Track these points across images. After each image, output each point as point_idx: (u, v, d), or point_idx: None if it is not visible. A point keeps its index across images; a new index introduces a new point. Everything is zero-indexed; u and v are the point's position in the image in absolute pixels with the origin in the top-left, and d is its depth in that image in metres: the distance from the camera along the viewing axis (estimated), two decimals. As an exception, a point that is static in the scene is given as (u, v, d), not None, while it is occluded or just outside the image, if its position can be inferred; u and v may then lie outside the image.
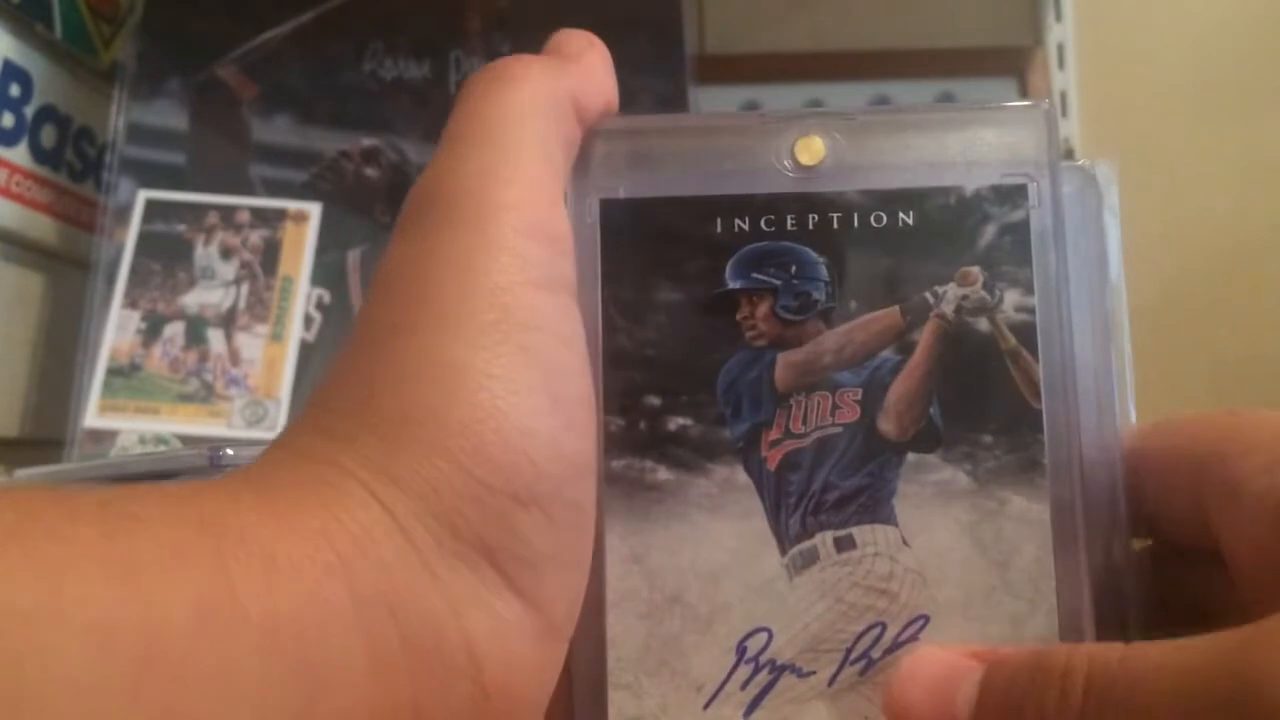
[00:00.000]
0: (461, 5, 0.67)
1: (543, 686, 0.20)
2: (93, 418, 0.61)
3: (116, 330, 0.62)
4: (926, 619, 0.22)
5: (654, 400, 0.22)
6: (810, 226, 0.22)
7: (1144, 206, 0.70)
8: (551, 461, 0.19)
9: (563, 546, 0.20)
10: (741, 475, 0.22)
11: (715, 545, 0.22)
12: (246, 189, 0.65)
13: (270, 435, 0.61)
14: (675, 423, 0.22)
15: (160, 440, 0.62)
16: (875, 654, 0.22)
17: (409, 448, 0.18)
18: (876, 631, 0.22)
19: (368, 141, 0.66)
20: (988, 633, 0.21)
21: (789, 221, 0.22)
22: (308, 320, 0.64)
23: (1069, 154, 0.72)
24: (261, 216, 0.65)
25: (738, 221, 0.22)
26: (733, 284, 0.22)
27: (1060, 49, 0.70)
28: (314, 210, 0.65)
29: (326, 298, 0.65)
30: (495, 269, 0.20)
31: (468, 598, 0.18)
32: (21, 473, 0.53)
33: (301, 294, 0.64)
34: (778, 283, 0.22)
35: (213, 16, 0.66)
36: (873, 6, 0.71)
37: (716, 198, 0.23)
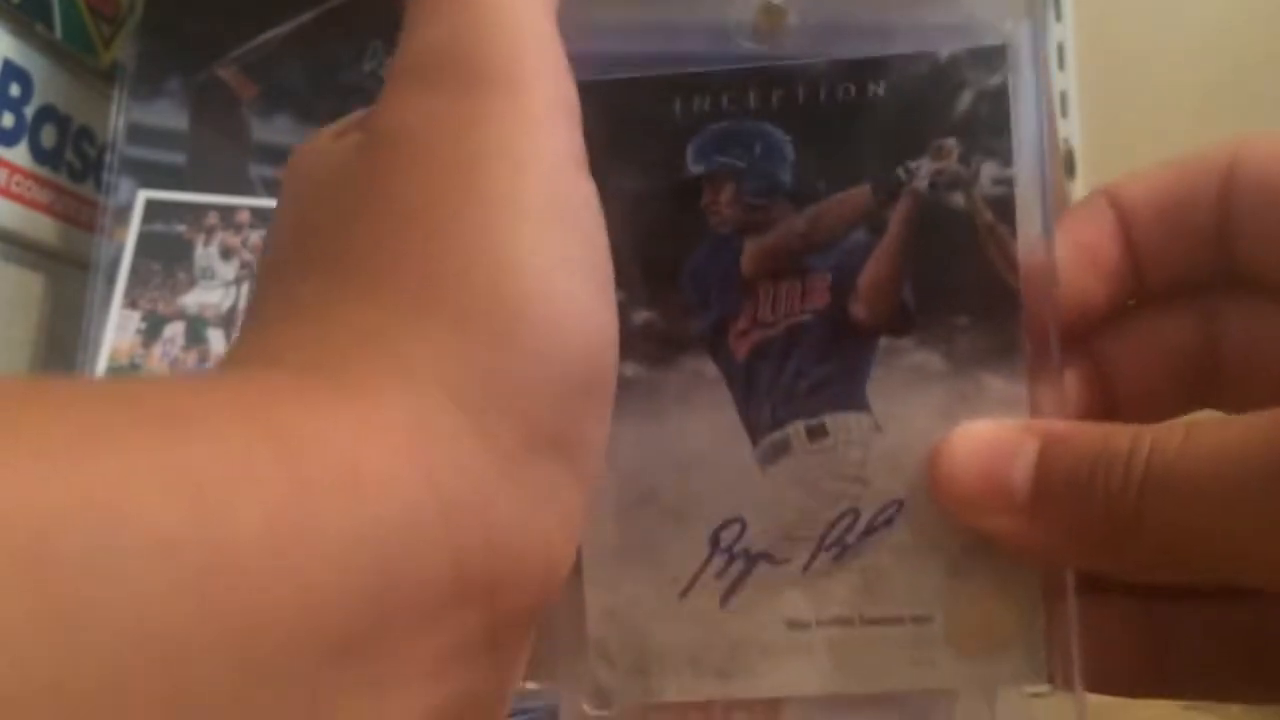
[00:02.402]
0: (459, 3, 0.67)
1: None
2: (93, 419, 0.61)
3: (116, 330, 0.62)
4: (900, 504, 0.21)
5: (618, 294, 0.22)
6: (774, 103, 0.22)
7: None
8: (610, 348, 0.19)
9: (605, 424, 0.19)
10: (710, 367, 0.22)
11: (686, 439, 0.21)
12: (246, 189, 0.65)
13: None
14: (640, 316, 0.22)
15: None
16: (850, 539, 0.21)
17: (486, 341, 0.18)
18: (850, 518, 0.21)
19: (367, 140, 0.66)
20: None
21: (752, 99, 0.22)
22: (308, 319, 0.64)
23: (1067, 153, 0.71)
24: (262, 216, 0.65)
25: (698, 100, 0.22)
26: (695, 169, 0.22)
27: (1060, 49, 0.70)
28: (314, 209, 0.65)
29: (327, 297, 0.64)
30: (542, 146, 0.19)
31: (545, 493, 0.18)
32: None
33: (302, 293, 0.64)
34: (742, 165, 0.22)
35: (213, 16, 0.66)
36: (872, 6, 0.71)
37: (674, 76, 0.22)
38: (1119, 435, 0.19)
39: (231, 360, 0.19)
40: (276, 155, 0.66)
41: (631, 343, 0.21)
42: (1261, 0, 0.72)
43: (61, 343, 0.63)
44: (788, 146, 0.22)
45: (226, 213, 0.65)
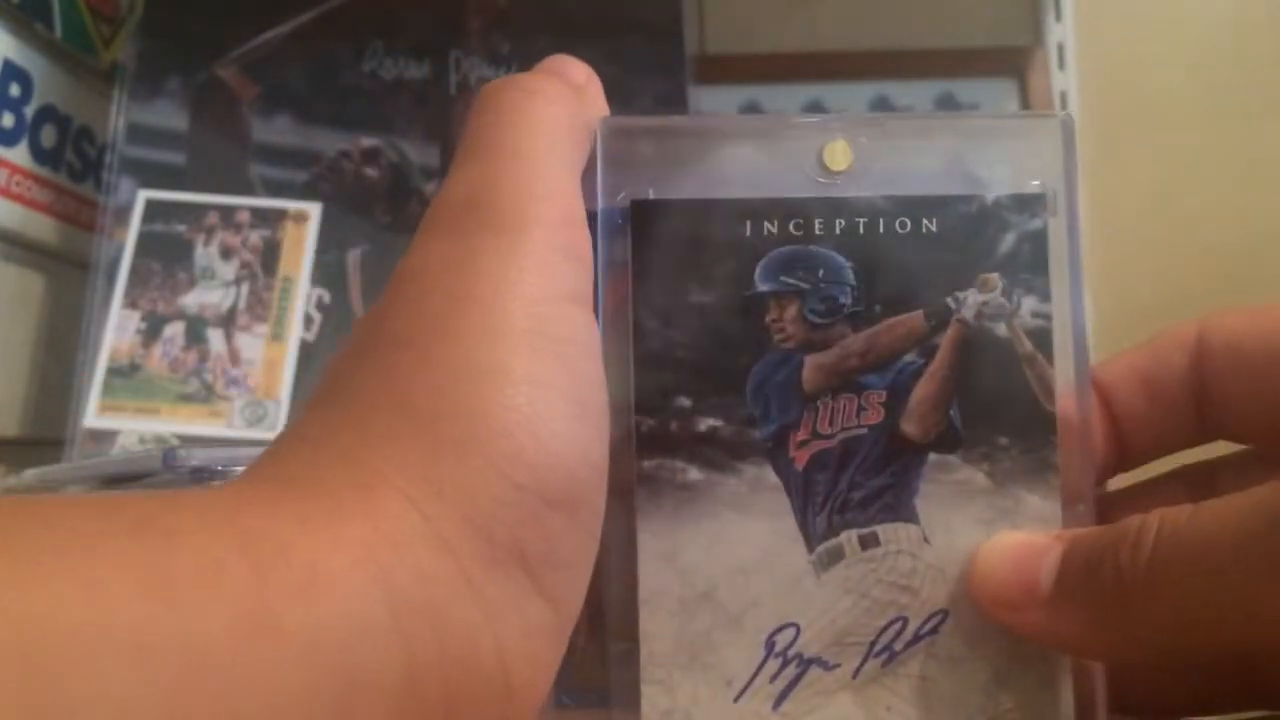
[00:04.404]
0: (461, 5, 0.67)
1: (551, 679, 0.20)
2: (93, 418, 0.61)
3: (116, 330, 0.62)
4: (946, 613, 0.22)
5: (684, 401, 0.23)
6: (837, 231, 0.23)
7: (1144, 206, 0.71)
8: (581, 467, 0.20)
9: (582, 549, 0.20)
10: (770, 475, 0.23)
11: (745, 543, 0.23)
12: (246, 189, 0.65)
13: (271, 435, 0.61)
14: (705, 423, 0.23)
15: (160, 440, 0.62)
16: (897, 647, 0.22)
17: (448, 452, 0.19)
18: (898, 626, 0.22)
19: (368, 141, 0.66)
20: (1003, 627, 0.22)
21: (817, 226, 0.23)
22: (308, 320, 0.64)
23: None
24: (261, 216, 0.65)
25: (766, 225, 0.23)
26: (762, 287, 0.23)
27: (1060, 49, 0.70)
28: (314, 210, 0.65)
29: (326, 298, 0.65)
30: (532, 281, 0.20)
31: (501, 603, 0.19)
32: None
33: (301, 294, 0.64)
34: (806, 286, 0.23)
35: (213, 16, 0.66)
36: (873, 6, 0.71)
37: (746, 200, 0.23)
38: (1130, 520, 0.20)
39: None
40: (276, 155, 0.66)
41: (696, 448, 0.23)
42: (1261, 0, 0.72)
43: (61, 343, 0.63)
44: (848, 272, 0.23)
45: (226, 213, 0.65)
